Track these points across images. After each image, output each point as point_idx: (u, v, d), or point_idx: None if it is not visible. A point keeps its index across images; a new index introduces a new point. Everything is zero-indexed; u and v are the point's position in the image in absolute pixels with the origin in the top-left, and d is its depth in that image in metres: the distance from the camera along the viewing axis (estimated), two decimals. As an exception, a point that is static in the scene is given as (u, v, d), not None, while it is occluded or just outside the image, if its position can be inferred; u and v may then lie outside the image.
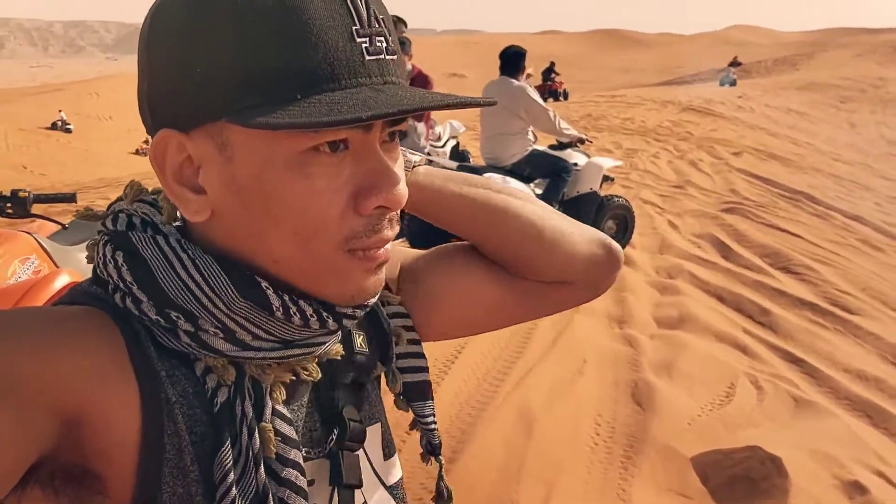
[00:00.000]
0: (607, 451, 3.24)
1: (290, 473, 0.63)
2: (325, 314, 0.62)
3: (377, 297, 0.68)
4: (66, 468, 0.56)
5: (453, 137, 8.89)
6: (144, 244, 0.60)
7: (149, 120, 0.62)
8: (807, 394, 3.77)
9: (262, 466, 0.61)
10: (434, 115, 9.15)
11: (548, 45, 72.91)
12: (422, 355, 0.82)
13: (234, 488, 0.59)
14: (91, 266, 0.65)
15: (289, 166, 0.57)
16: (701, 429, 3.37)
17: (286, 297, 0.60)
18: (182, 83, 0.56)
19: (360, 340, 0.76)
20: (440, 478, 0.84)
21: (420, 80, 4.89)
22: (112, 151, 23.59)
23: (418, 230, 6.11)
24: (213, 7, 0.55)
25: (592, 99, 24.14)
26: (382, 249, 0.62)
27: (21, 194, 2.55)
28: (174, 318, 0.59)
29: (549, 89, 26.92)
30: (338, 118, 0.52)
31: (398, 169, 0.61)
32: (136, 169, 17.99)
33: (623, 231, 6.35)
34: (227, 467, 0.59)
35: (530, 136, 5.93)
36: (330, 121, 0.52)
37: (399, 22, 5.61)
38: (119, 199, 0.68)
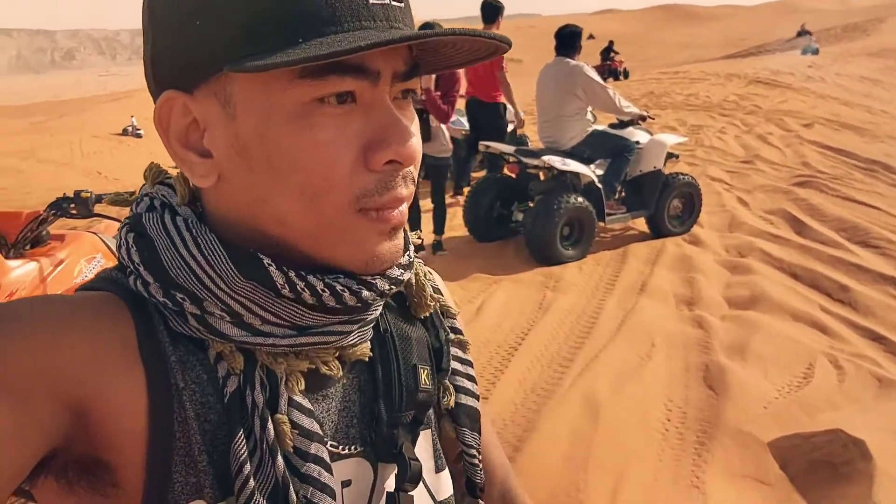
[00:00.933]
0: (679, 437, 3.13)
1: (312, 469, 0.58)
2: (339, 287, 0.57)
3: (406, 273, 0.64)
4: (78, 459, 0.55)
5: (511, 122, 8.78)
6: (151, 224, 0.59)
7: (152, 85, 0.60)
8: (890, 373, 3.57)
9: (278, 458, 0.57)
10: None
11: (605, 25, 71.60)
12: (474, 380, 0.76)
13: (251, 480, 0.56)
14: None
15: (292, 118, 0.54)
16: (778, 412, 3.23)
17: (291, 273, 0.56)
18: (181, 38, 0.55)
19: (424, 376, 0.70)
20: None
21: (448, 75, 4.98)
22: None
23: (475, 219, 6.07)
24: None
25: (654, 76, 23.59)
26: (397, 211, 0.58)
27: (83, 195, 2.60)
28: (179, 299, 0.57)
29: (609, 69, 26.50)
30: (334, 49, 0.49)
31: (413, 127, 0.58)
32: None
33: (690, 209, 6.17)
34: (241, 458, 0.56)
35: (589, 117, 5.80)
36: (326, 53, 0.49)
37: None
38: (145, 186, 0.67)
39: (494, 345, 4.08)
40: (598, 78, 5.63)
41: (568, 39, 5.72)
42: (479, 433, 0.76)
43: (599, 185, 5.73)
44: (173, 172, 0.66)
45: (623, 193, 6.12)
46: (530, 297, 4.81)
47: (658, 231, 6.06)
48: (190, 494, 0.56)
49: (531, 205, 5.77)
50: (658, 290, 4.80)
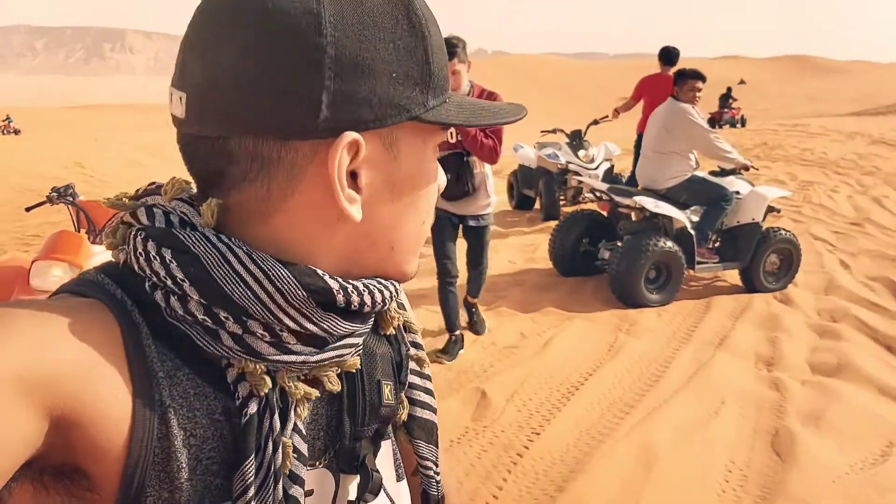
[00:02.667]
0: (736, 499, 2.98)
1: (297, 491, 0.61)
2: (372, 288, 0.64)
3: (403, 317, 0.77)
4: (56, 465, 0.55)
5: (607, 160, 8.69)
6: (195, 240, 0.58)
7: (320, 117, 0.57)
8: (984, 465, 3.28)
9: (280, 482, 0.59)
10: (589, 136, 8.97)
11: (729, 71, 69.83)
12: (432, 394, 0.79)
13: (252, 502, 0.58)
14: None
15: (432, 158, 0.66)
16: (847, 489, 3.02)
17: (340, 280, 0.61)
18: (376, 86, 0.58)
19: (387, 391, 0.72)
20: None
21: (489, 97, 3.92)
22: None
23: (560, 252, 6.01)
24: (395, 13, 0.59)
25: (771, 127, 22.76)
26: None
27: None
28: (222, 318, 0.58)
29: (726, 116, 25.85)
30: (518, 115, 0.70)
31: None
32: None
33: (787, 267, 5.90)
34: (248, 481, 0.58)
35: (691, 162, 5.66)
36: (510, 119, 0.69)
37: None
38: (147, 191, 0.66)
39: (556, 381, 4.01)
40: (701, 121, 5.50)
41: (678, 81, 5.64)
42: (437, 446, 0.77)
43: (692, 232, 5.58)
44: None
45: (717, 243, 5.92)
46: (602, 338, 4.71)
47: (751, 285, 5.82)
48: None
49: (619, 244, 5.67)
50: (738, 346, 4.60)
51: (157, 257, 0.58)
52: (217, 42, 0.57)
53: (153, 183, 0.67)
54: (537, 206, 9.24)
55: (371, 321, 0.68)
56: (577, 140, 8.73)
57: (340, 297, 0.61)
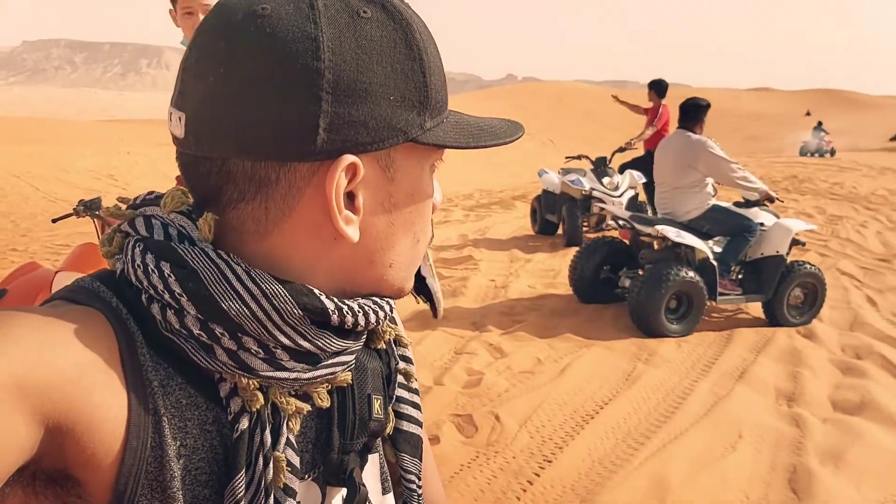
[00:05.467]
0: (749, 538, 2.92)
1: (290, 503, 0.62)
2: (367, 308, 0.65)
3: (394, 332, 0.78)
4: (47, 471, 0.55)
5: (632, 188, 8.65)
6: (194, 256, 0.59)
7: (318, 140, 0.58)
8: None
9: (271, 497, 0.60)
10: (614, 164, 8.97)
11: (759, 104, 69.41)
12: (419, 408, 0.80)
13: None
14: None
15: (428, 178, 0.67)
16: (865, 532, 2.95)
17: (336, 300, 0.62)
18: (374, 109, 0.59)
19: (377, 405, 0.72)
20: None
21: None
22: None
23: (580, 279, 5.98)
24: (392, 36, 0.60)
25: (800, 160, 22.54)
26: None
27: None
28: (218, 334, 0.58)
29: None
30: (512, 137, 0.68)
31: None
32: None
33: (811, 302, 5.80)
34: (238, 495, 0.59)
35: (709, 190, 5.62)
36: (506, 140, 0.67)
37: None
38: (145, 200, 0.67)
39: (570, 409, 3.97)
40: (722, 153, 5.46)
41: (691, 112, 5.61)
42: (421, 459, 0.78)
43: (714, 262, 5.52)
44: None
45: (740, 275, 5.85)
46: (619, 367, 4.66)
47: (773, 319, 5.73)
48: None
49: (640, 272, 5.63)
50: (758, 380, 4.53)
51: (156, 270, 0.59)
52: (216, 65, 0.57)
53: (152, 192, 0.67)
54: (560, 231, 9.21)
55: (363, 338, 0.69)
56: (601, 167, 8.72)
57: (335, 318, 0.62)
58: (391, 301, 0.70)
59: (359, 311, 0.64)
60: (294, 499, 0.62)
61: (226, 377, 0.61)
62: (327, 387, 0.67)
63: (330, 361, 0.64)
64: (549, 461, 3.38)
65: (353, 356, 0.68)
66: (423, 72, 0.62)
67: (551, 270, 7.37)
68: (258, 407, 0.61)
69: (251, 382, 0.60)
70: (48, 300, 0.62)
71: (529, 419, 3.80)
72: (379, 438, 0.75)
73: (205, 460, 0.59)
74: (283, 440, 0.62)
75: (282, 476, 0.61)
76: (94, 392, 0.54)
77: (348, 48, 0.57)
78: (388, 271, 0.66)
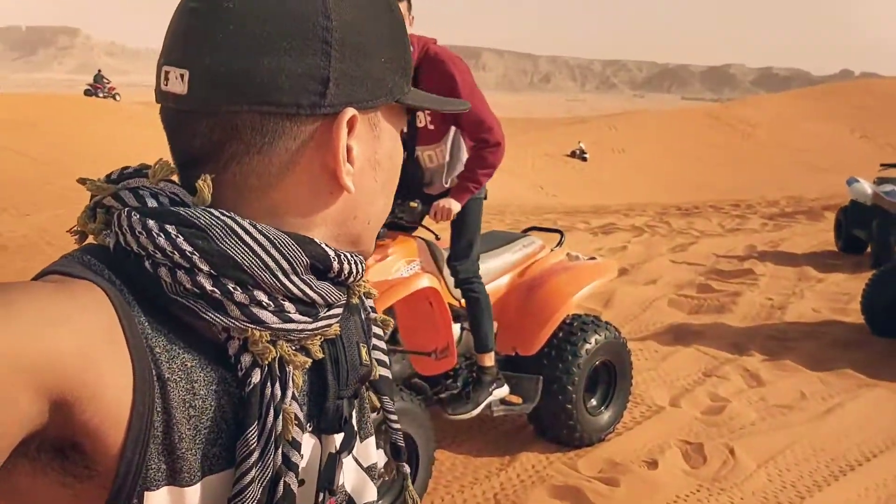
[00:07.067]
0: None
1: (297, 457, 0.64)
2: (353, 258, 0.69)
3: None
4: (53, 443, 0.56)
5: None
6: (199, 215, 0.61)
7: (328, 93, 0.62)
8: None
9: (280, 448, 0.63)
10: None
11: None
12: (386, 352, 0.84)
13: (253, 469, 0.61)
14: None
15: (400, 144, 0.73)
16: None
17: (334, 249, 0.66)
18: (370, 68, 0.65)
19: (364, 352, 0.77)
20: (404, 487, 0.84)
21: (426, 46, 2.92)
22: (612, 181, 25.19)
23: (875, 307, 5.18)
24: (384, 6, 0.67)
25: None
26: None
27: (411, 205, 2.90)
28: (231, 288, 0.60)
29: None
30: (464, 106, 0.78)
31: None
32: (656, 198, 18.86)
33: None
34: (251, 447, 0.61)
35: None
36: (466, 107, 0.78)
37: None
38: (124, 174, 0.68)
39: (828, 455, 3.46)
40: None
41: None
42: (393, 398, 0.83)
43: None
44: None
45: None
46: (905, 415, 3.95)
47: None
48: (162, 480, 0.60)
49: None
50: None
51: (161, 233, 0.60)
52: (229, 24, 0.61)
53: (127, 167, 0.69)
54: (869, 250, 8.06)
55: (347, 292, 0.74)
56: (927, 177, 7.46)
57: (335, 265, 0.66)
58: (363, 263, 0.74)
59: (353, 260, 0.68)
60: (299, 452, 0.64)
61: (234, 334, 0.63)
62: (320, 339, 0.69)
63: (328, 313, 0.67)
64: (783, 512, 2.99)
65: (342, 309, 0.71)
66: (403, 38, 0.69)
67: (845, 294, 6.48)
68: (270, 359, 0.63)
69: (263, 335, 0.62)
70: (38, 275, 0.64)
71: (772, 459, 3.39)
72: (363, 387, 0.79)
73: (213, 420, 0.62)
74: (290, 393, 0.64)
75: (290, 428, 0.63)
76: (98, 362, 0.56)
77: (348, 9, 0.63)
78: (365, 228, 0.71)
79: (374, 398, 0.81)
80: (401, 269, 2.94)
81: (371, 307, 0.84)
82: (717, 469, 3.29)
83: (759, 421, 3.84)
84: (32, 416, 0.52)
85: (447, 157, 3.01)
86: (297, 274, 0.63)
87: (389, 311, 2.82)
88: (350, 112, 0.63)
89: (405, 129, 0.74)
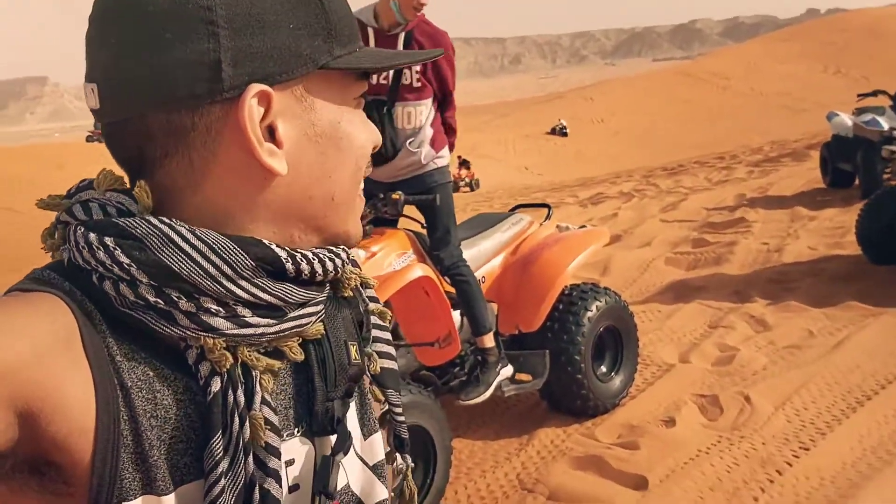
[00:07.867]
0: None
1: (275, 462, 0.62)
2: (322, 256, 0.66)
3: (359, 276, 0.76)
4: (26, 461, 0.56)
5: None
6: (135, 225, 0.60)
7: (223, 76, 0.59)
8: None
9: (251, 456, 0.61)
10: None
11: None
12: (392, 343, 0.82)
13: (223, 479, 0.60)
14: None
15: (353, 108, 0.68)
16: None
17: (287, 248, 0.63)
18: (275, 38, 0.61)
19: (354, 351, 0.75)
20: (404, 477, 0.82)
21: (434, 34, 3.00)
22: (595, 152, 25.18)
23: (870, 235, 5.18)
24: None
25: None
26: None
27: (394, 196, 2.88)
28: (175, 298, 0.59)
29: None
30: (427, 56, 0.75)
31: None
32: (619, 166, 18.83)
33: None
34: (217, 457, 0.60)
35: None
36: (423, 58, 0.76)
37: None
38: (80, 188, 0.68)
39: (843, 389, 3.46)
40: None
41: None
42: (400, 392, 0.82)
43: None
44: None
45: None
46: (914, 338, 3.95)
47: None
48: (137, 490, 0.59)
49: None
50: None
51: (101, 246, 0.59)
52: (115, 27, 0.60)
53: (84, 180, 0.69)
54: (857, 182, 8.06)
55: (327, 289, 0.70)
56: (905, 102, 7.45)
57: (290, 266, 0.63)
58: (346, 249, 0.71)
59: (314, 259, 0.65)
60: (278, 458, 0.62)
61: (191, 343, 0.61)
62: (298, 340, 0.67)
63: (296, 314, 0.65)
64: (807, 449, 2.98)
65: (321, 307, 0.69)
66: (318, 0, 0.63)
67: (839, 228, 6.49)
68: (228, 367, 0.61)
69: (217, 342, 0.61)
70: (6, 293, 0.63)
71: (788, 400, 3.39)
72: (364, 382, 0.78)
73: (180, 429, 0.60)
74: (258, 398, 0.62)
75: (262, 434, 0.61)
76: (58, 372, 0.55)
77: None
78: (330, 206, 0.67)
79: (377, 391, 0.79)
80: (393, 263, 2.92)
81: (371, 297, 0.81)
82: (735, 418, 3.29)
83: (771, 365, 3.84)
84: (0, 429, 0.51)
85: (423, 121, 3.00)
86: (243, 278, 0.60)
87: (387, 306, 2.80)
88: (254, 89, 0.59)
89: (364, 91, 0.69)
